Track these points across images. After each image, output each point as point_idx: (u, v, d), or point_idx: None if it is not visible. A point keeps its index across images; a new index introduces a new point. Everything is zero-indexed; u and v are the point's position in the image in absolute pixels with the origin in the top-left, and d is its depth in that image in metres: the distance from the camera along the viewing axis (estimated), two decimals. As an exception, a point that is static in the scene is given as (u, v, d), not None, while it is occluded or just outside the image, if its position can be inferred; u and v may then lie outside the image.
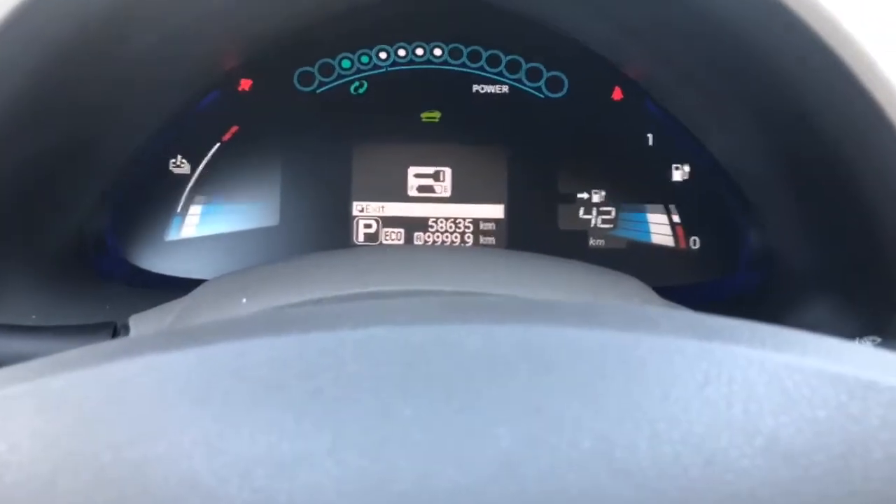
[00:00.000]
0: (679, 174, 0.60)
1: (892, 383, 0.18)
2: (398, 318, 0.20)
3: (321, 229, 0.60)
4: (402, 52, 0.61)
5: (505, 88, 0.61)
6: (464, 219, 0.60)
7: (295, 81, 0.61)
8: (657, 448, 0.17)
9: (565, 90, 0.61)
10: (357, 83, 0.61)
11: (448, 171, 0.60)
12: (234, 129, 0.61)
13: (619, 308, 0.22)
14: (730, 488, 0.16)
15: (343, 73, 0.61)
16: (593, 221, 0.60)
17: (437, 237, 0.60)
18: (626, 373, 0.19)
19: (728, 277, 0.60)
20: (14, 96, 0.44)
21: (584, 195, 0.60)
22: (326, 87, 0.61)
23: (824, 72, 0.41)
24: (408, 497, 0.16)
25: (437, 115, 0.61)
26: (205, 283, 0.41)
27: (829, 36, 0.39)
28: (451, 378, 0.18)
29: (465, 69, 0.61)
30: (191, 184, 0.61)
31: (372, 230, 0.60)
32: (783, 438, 0.17)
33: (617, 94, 0.61)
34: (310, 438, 0.17)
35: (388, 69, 0.61)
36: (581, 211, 0.60)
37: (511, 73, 0.61)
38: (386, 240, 0.60)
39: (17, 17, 0.39)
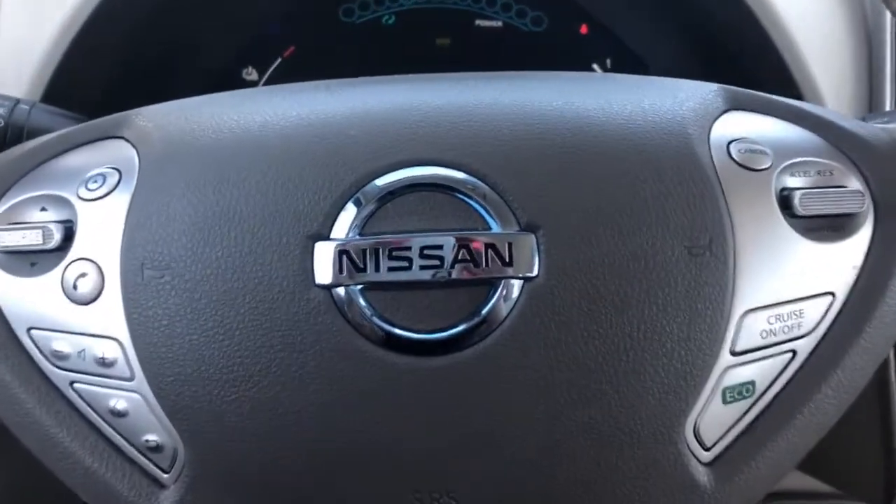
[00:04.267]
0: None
1: None
2: None
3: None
4: (422, -8, 0.81)
5: (499, 23, 0.80)
6: (466, 119, 0.79)
7: (340, 14, 0.80)
8: None
9: (545, 25, 0.80)
10: (387, 16, 0.80)
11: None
12: (292, 48, 0.79)
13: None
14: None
15: (377, 8, 0.80)
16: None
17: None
18: None
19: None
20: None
21: (558, 103, 0.79)
22: (364, 18, 0.80)
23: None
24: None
25: (447, 41, 0.80)
26: None
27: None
28: None
29: (469, 7, 0.80)
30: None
31: (396, 127, 0.79)
32: None
33: (584, 29, 0.80)
34: None
35: (412, 6, 0.80)
36: (555, 115, 0.79)
37: (504, 12, 0.80)
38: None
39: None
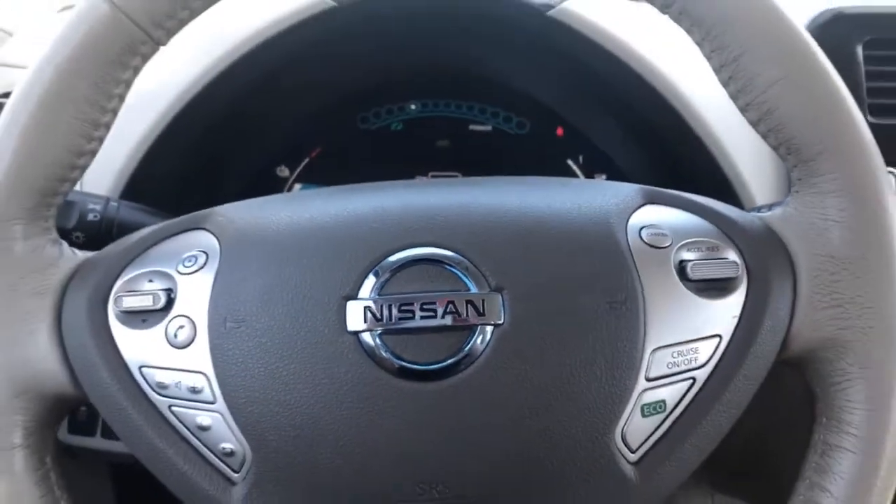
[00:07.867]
0: (599, 179, 0.93)
1: None
2: None
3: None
4: (425, 104, 0.93)
5: (489, 127, 0.93)
6: (463, 206, 0.92)
7: (357, 121, 0.93)
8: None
9: (528, 129, 0.93)
10: (396, 123, 0.93)
11: (458, 175, 0.93)
12: (318, 150, 0.93)
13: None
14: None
15: (387, 117, 0.93)
16: (545, 209, 0.92)
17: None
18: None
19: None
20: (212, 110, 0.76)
21: (540, 193, 0.92)
22: (377, 125, 0.92)
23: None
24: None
25: (446, 142, 0.93)
26: None
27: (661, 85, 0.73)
28: None
29: (464, 115, 0.93)
30: (289, 183, 0.93)
31: (404, 213, 0.92)
32: None
33: (560, 132, 0.94)
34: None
35: (416, 115, 0.93)
36: (537, 202, 0.92)
37: (493, 118, 0.93)
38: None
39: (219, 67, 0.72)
